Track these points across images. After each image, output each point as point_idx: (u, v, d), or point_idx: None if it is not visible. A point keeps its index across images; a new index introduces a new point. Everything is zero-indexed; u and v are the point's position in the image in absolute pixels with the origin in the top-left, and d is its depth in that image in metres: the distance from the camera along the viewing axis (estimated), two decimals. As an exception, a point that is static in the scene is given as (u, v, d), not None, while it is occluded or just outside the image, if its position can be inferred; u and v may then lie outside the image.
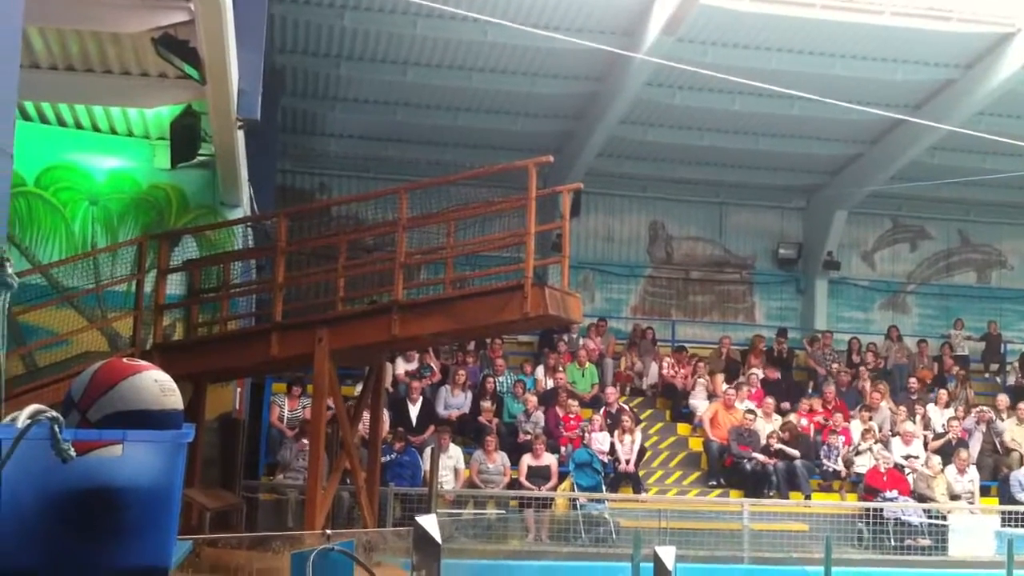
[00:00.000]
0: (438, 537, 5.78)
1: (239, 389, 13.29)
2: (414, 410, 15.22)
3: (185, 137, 12.43)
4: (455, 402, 15.78)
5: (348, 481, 12.52)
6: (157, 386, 2.92)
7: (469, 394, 15.91)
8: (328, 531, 8.18)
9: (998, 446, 16.94)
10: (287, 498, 13.23)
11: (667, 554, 4.49)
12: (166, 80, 10.86)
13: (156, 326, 11.71)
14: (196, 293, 12.40)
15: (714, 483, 15.84)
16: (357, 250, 14.85)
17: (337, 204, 18.10)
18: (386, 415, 14.15)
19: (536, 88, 17.03)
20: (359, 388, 13.90)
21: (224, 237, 13.36)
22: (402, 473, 13.89)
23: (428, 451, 13.88)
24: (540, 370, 17.20)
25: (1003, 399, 17.89)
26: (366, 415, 12.82)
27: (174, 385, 2.96)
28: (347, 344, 11.60)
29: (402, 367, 16.25)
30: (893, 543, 14.64)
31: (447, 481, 14.13)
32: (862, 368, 18.75)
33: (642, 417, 16.95)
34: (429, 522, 5.67)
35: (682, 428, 17.27)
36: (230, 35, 9.23)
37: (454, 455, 14.49)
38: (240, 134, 11.69)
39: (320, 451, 11.08)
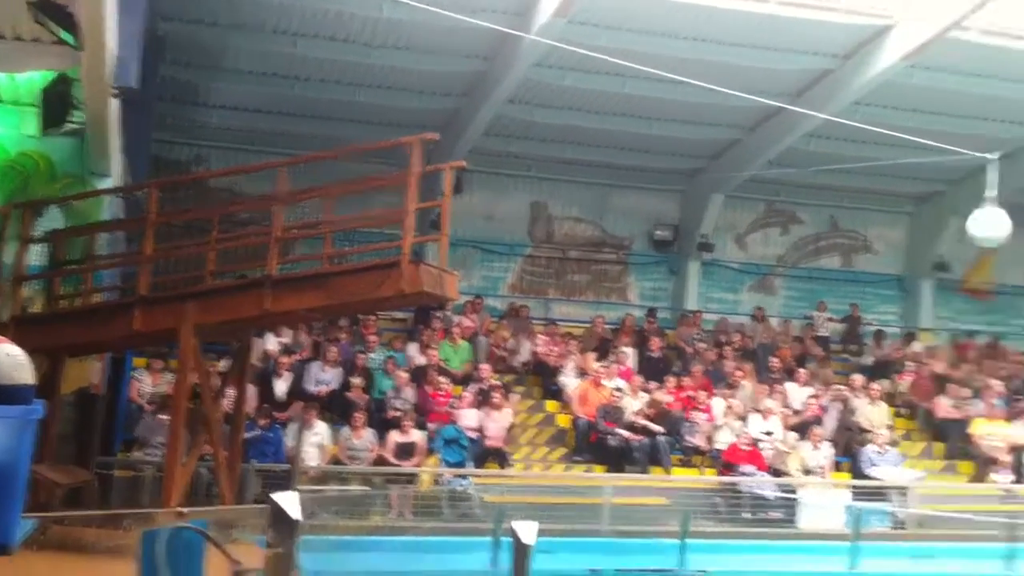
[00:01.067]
0: (295, 513, 5.89)
1: (100, 364, 13.14)
2: (282, 386, 15.25)
3: (56, 103, 12.25)
4: (325, 378, 15.82)
5: (209, 458, 12.47)
6: (9, 360, 2.93)
7: (340, 370, 15.96)
8: (181, 509, 8.24)
9: (852, 423, 17.74)
10: (143, 475, 13.10)
11: (526, 529, 4.69)
12: (40, 45, 10.64)
13: (15, 298, 11.54)
14: (59, 265, 12.24)
15: (579, 459, 16.25)
16: (232, 224, 14.82)
17: (213, 177, 17.95)
18: (253, 391, 14.16)
19: (426, 65, 17.03)
20: (224, 363, 13.87)
21: (91, 208, 13.18)
22: (265, 450, 13.88)
23: (293, 427, 13.94)
24: (413, 347, 17.37)
25: (858, 379, 18.71)
26: (231, 391, 12.83)
27: (26, 359, 2.97)
28: (216, 319, 11.51)
29: (272, 342, 16.24)
30: (748, 516, 15.25)
31: (311, 458, 14.17)
32: (728, 348, 19.38)
33: (513, 393, 17.25)
34: (285, 498, 5.78)
35: (551, 405, 17.63)
36: (110, 0, 9.13)
37: (320, 432, 14.54)
38: (114, 102, 11.53)
39: (180, 426, 11.05)
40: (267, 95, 18.00)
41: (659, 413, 16.65)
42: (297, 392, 15.34)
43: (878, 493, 15.77)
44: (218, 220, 12.38)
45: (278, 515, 5.19)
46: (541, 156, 20.46)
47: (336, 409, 15.39)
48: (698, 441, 16.68)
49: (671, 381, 17.64)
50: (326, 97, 17.88)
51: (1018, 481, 17.04)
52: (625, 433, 16.06)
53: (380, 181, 13.84)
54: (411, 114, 17.99)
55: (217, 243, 12.03)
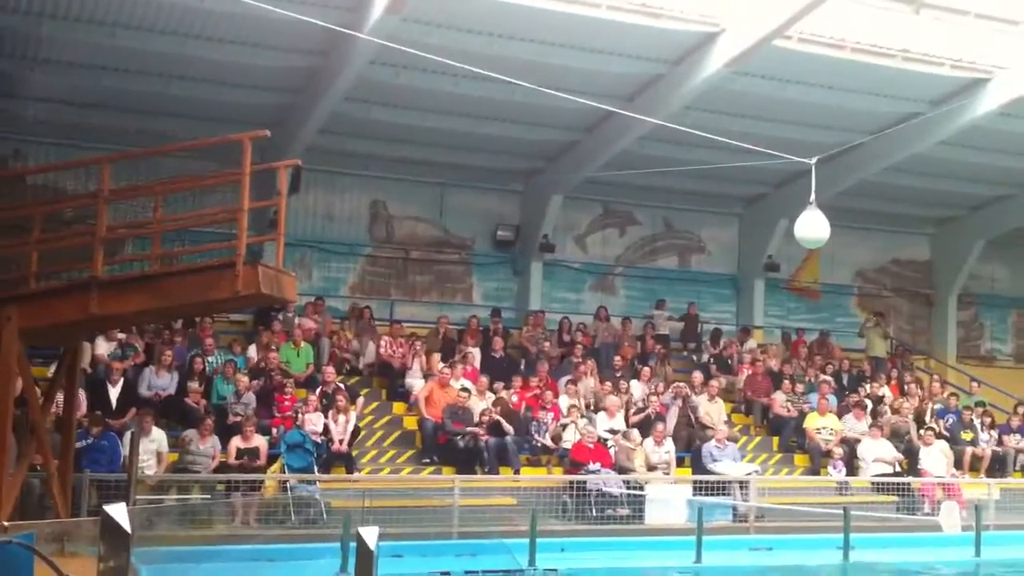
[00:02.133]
0: (127, 525, 5.49)
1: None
2: (114, 392, 14.55)
3: None
4: (160, 383, 15.17)
5: (40, 468, 11.76)
6: None
7: (176, 375, 15.34)
8: (6, 523, 7.67)
9: (693, 420, 18.09)
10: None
11: (369, 534, 4.49)
12: None
13: None
14: None
15: (428, 460, 16.05)
16: (55, 223, 13.99)
17: (31, 173, 16.95)
18: (83, 397, 13.43)
19: (255, 59, 16.46)
20: (52, 369, 13.10)
21: None
22: (99, 459, 13.16)
23: (128, 435, 13.27)
24: (253, 349, 16.80)
25: (698, 376, 19.15)
26: (61, 397, 12.13)
27: None
28: (40, 323, 10.98)
29: (103, 347, 15.45)
30: (595, 513, 15.32)
31: (149, 466, 13.59)
32: (574, 347, 19.50)
33: (359, 396, 16.88)
34: (117, 511, 5.38)
35: (398, 407, 17.39)
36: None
37: (157, 439, 13.93)
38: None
39: (5, 435, 10.37)
40: (87, 88, 17.09)
41: (506, 413, 16.57)
42: (131, 398, 14.66)
43: (719, 487, 16.08)
44: (41, 219, 11.68)
45: (109, 527, 4.83)
46: (379, 155, 20.19)
47: (173, 415, 14.75)
48: (545, 440, 16.68)
49: (517, 381, 17.61)
50: (149, 90, 17.11)
51: (851, 473, 17.71)
52: (474, 429, 15.91)
53: (211, 179, 13.30)
54: (242, 110, 17.37)
55: (39, 243, 11.38)
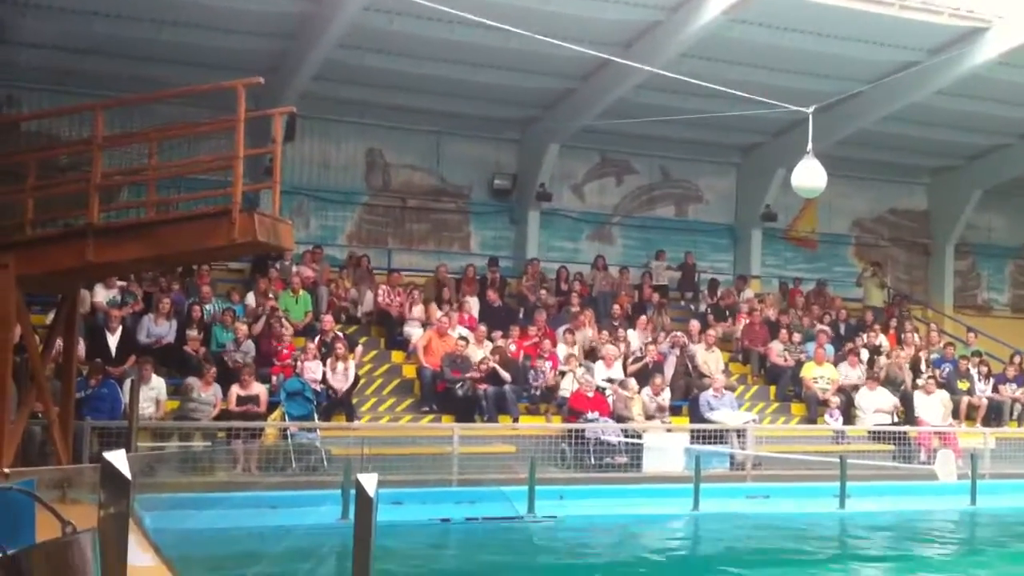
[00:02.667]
0: (127, 472, 5.47)
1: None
2: (113, 340, 14.50)
3: None
4: (159, 331, 15.13)
5: (40, 415, 11.76)
6: None
7: (174, 322, 15.29)
8: (7, 470, 7.67)
9: (690, 369, 18.14)
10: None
11: (369, 481, 4.48)
12: None
13: None
14: None
15: (427, 409, 16.08)
16: (50, 169, 13.87)
17: (26, 120, 16.71)
18: (82, 345, 13.40)
19: (248, 4, 16.21)
20: (51, 317, 13.06)
21: None
22: (100, 406, 13.17)
23: (128, 383, 13.26)
24: (251, 297, 16.75)
25: (695, 325, 19.18)
26: (60, 345, 12.10)
27: None
28: (37, 270, 10.95)
29: (101, 294, 15.38)
30: (593, 461, 15.41)
31: (150, 413, 13.58)
32: (572, 295, 19.48)
33: (357, 345, 16.86)
34: (117, 457, 5.35)
35: (396, 355, 17.40)
36: None
37: (156, 386, 13.93)
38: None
39: (6, 383, 10.34)
40: (79, 33, 16.86)
41: (504, 362, 16.58)
42: (130, 346, 14.62)
43: (717, 436, 16.15)
44: (36, 166, 11.57)
45: (110, 474, 4.82)
46: (374, 102, 19.97)
47: (172, 363, 14.73)
48: (543, 389, 16.69)
49: (515, 330, 17.60)
50: (141, 36, 16.87)
51: (847, 422, 17.80)
52: (474, 375, 15.92)
53: (206, 126, 13.18)
54: (235, 56, 17.13)
55: (35, 190, 11.29)
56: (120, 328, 14.71)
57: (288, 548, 9.58)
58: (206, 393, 14.18)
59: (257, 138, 11.92)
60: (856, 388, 18.31)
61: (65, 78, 17.70)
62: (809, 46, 18.16)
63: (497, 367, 16.33)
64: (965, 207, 24.44)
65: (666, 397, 16.99)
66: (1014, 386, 19.91)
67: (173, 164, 12.55)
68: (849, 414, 17.99)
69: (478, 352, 16.65)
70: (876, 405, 17.87)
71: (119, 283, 15.76)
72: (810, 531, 13.49)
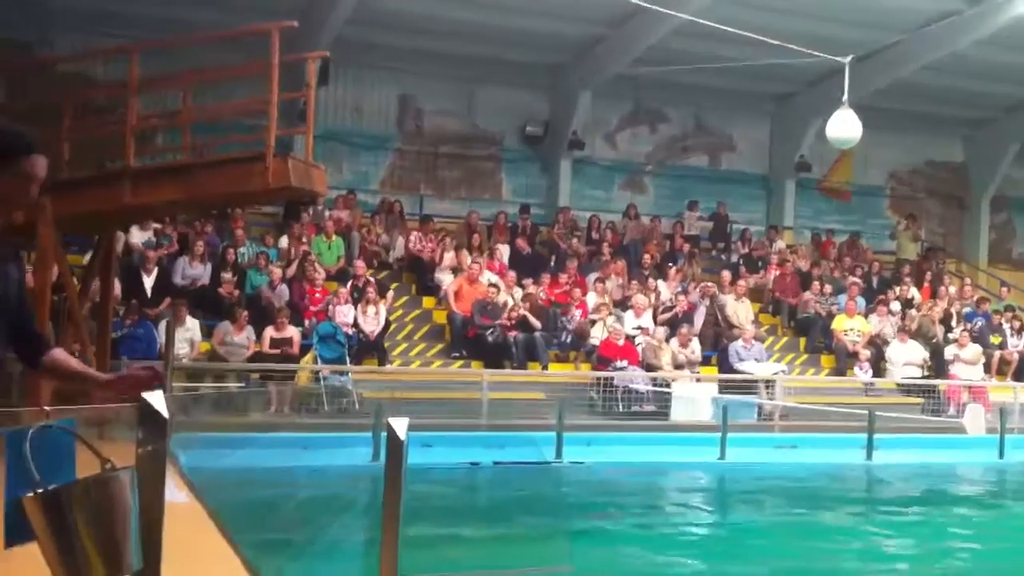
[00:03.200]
0: (165, 412, 5.59)
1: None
2: (149, 281, 14.66)
3: None
4: (194, 273, 15.30)
5: (77, 355, 11.95)
6: None
7: (209, 265, 15.44)
8: (46, 408, 7.78)
9: (720, 319, 18.13)
10: (12, 371, 12.45)
11: (399, 424, 4.54)
12: None
13: None
14: None
15: (457, 355, 16.20)
16: (86, 111, 13.96)
17: (63, 62, 16.80)
18: (118, 285, 13.57)
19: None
20: (88, 257, 13.23)
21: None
22: (136, 347, 13.36)
23: (163, 324, 13.43)
24: (284, 241, 16.87)
25: (726, 275, 19.14)
26: (97, 285, 12.26)
27: None
28: (73, 211, 11.03)
29: (137, 236, 15.54)
30: (621, 409, 15.50)
31: (184, 354, 13.76)
32: (603, 244, 19.47)
33: (388, 290, 16.98)
34: (154, 397, 5.46)
35: (427, 301, 17.50)
36: None
37: (191, 327, 14.10)
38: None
39: (44, 321, 10.49)
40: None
41: (535, 309, 16.65)
42: (166, 287, 14.79)
43: (745, 386, 16.18)
44: (71, 107, 11.66)
45: (147, 413, 4.92)
46: (407, 48, 19.82)
47: (206, 305, 14.89)
48: (572, 336, 16.76)
49: (546, 278, 17.64)
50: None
51: (877, 375, 17.77)
52: (503, 322, 16.01)
53: (239, 71, 13.21)
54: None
55: (71, 132, 11.38)
56: (156, 270, 14.87)
57: (320, 488, 9.75)
58: (239, 337, 14.32)
59: (290, 82, 11.92)
60: (887, 341, 18.24)
61: (96, 20, 17.65)
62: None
63: (528, 315, 16.40)
64: (1002, 160, 24.13)
65: (696, 349, 17.00)
66: (1046, 341, 19.79)
67: (207, 107, 12.65)
68: (879, 367, 17.95)
69: (508, 299, 16.71)
70: (907, 358, 17.82)
71: (154, 225, 15.90)
72: (836, 481, 13.53)
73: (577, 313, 17.00)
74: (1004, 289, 21.70)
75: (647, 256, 19.32)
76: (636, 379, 15.85)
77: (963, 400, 16.80)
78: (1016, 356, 19.13)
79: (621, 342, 16.32)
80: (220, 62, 14.75)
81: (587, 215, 20.93)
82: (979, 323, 19.70)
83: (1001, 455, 14.83)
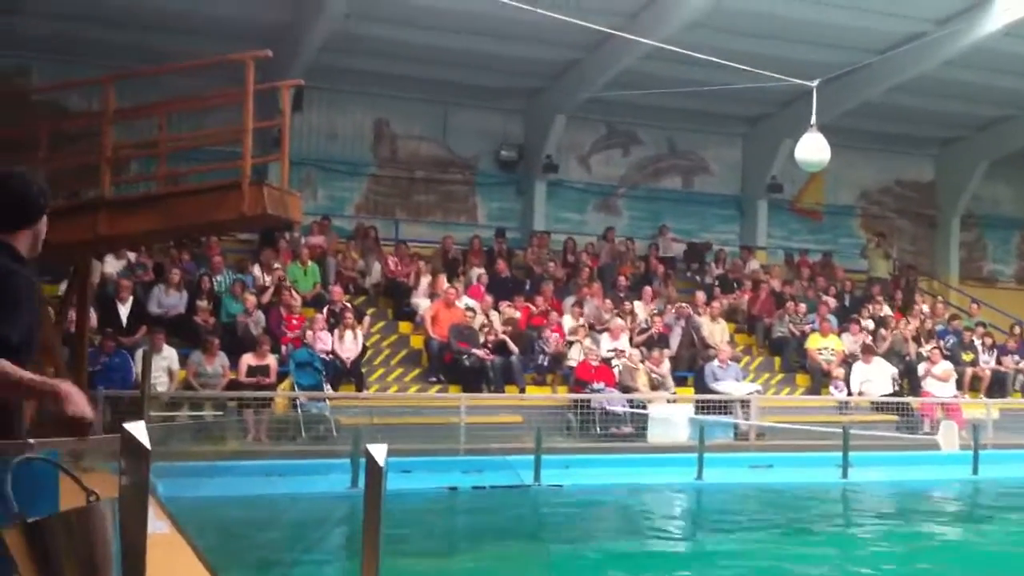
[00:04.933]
0: (146, 442, 5.60)
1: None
2: (124, 310, 14.63)
3: None
4: (169, 302, 15.27)
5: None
6: None
7: (185, 293, 15.42)
8: (31, 440, 7.72)
9: (696, 340, 18.24)
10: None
11: (378, 451, 4.59)
12: None
13: None
14: None
15: (434, 379, 16.22)
16: (61, 140, 13.96)
17: (41, 91, 16.85)
18: (93, 315, 13.54)
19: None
20: (63, 287, 13.18)
21: None
22: (112, 376, 13.34)
23: (140, 353, 13.40)
24: (257, 269, 16.86)
25: (700, 296, 19.26)
26: (72, 316, 12.22)
27: None
28: (49, 241, 10.83)
29: (112, 265, 15.51)
30: (599, 431, 15.56)
31: (161, 383, 13.73)
32: (580, 267, 19.56)
33: (365, 315, 17.00)
34: (136, 428, 5.47)
35: (404, 326, 17.52)
36: None
37: (168, 356, 14.07)
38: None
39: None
40: (88, 3, 16.79)
41: (511, 332, 16.71)
42: (141, 316, 14.76)
43: (722, 407, 16.28)
44: (47, 137, 11.65)
45: (129, 444, 4.95)
46: (381, 73, 19.90)
47: (183, 334, 14.86)
48: (549, 360, 16.82)
49: (522, 301, 17.70)
50: (151, 6, 16.82)
51: (851, 393, 17.91)
52: (480, 352, 16.06)
53: (214, 99, 13.26)
54: (239, 24, 17.04)
55: (46, 162, 11.37)
56: (131, 299, 14.83)
57: (299, 515, 9.74)
58: (211, 367, 14.24)
59: (265, 110, 11.98)
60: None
61: (72, 48, 17.67)
62: (816, 16, 18.09)
63: (506, 339, 16.45)
64: (972, 178, 24.41)
65: (665, 367, 17.09)
66: (1016, 357, 20.01)
67: (183, 136, 12.67)
68: (853, 385, 18.08)
69: (483, 321, 16.75)
70: (870, 377, 17.90)
71: (129, 253, 15.88)
72: (811, 500, 13.62)
73: (554, 336, 17.06)
74: (974, 306, 21.93)
75: (622, 277, 19.42)
76: (613, 401, 15.91)
77: (937, 417, 16.93)
78: (988, 372, 19.34)
79: (597, 364, 16.39)
80: (196, 89, 14.79)
81: (561, 238, 21.02)
82: (951, 340, 19.90)
83: (975, 471, 14.96)
